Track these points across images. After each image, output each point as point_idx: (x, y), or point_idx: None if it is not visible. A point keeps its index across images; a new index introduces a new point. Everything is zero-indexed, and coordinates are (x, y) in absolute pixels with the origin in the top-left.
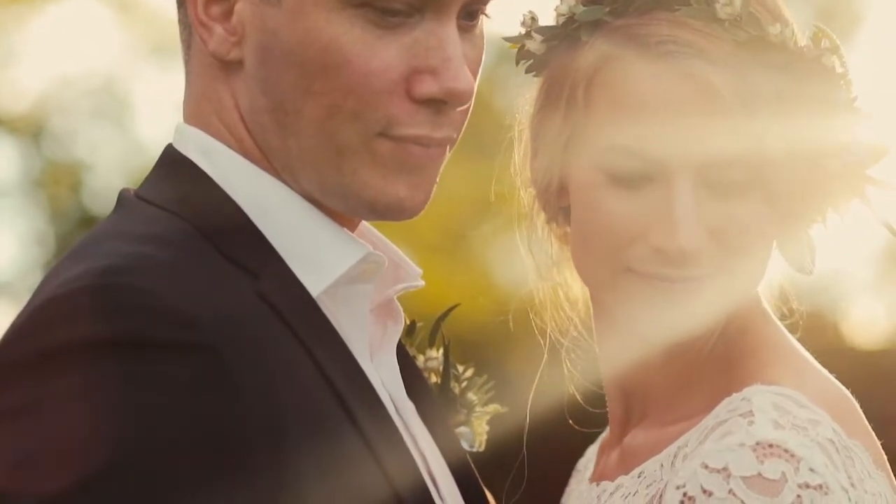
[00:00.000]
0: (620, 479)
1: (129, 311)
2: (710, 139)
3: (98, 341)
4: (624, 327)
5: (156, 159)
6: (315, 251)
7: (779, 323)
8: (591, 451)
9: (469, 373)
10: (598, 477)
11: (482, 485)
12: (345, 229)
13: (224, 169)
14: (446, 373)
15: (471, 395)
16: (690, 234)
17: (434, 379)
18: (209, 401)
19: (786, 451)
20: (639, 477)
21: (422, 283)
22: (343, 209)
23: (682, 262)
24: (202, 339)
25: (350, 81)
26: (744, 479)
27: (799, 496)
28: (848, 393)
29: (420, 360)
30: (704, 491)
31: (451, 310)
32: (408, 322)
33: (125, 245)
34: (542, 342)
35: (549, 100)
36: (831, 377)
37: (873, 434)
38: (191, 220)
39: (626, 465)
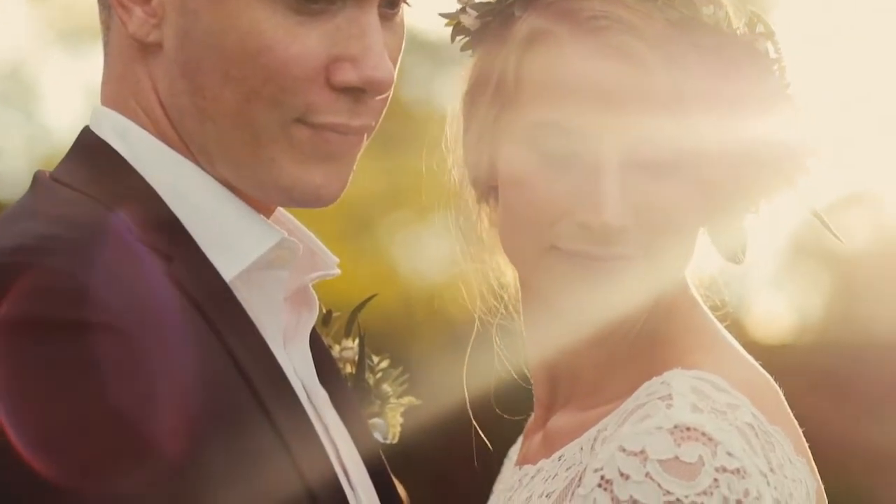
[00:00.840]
0: (542, 463)
1: (36, 290)
2: (639, 117)
3: (3, 321)
4: (551, 309)
5: (62, 145)
6: (229, 236)
7: (706, 309)
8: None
9: (384, 364)
10: (521, 460)
11: (392, 476)
12: (260, 215)
13: (140, 152)
14: (361, 363)
15: (385, 387)
16: (615, 210)
17: (349, 369)
18: (114, 382)
19: (703, 434)
20: (559, 460)
21: (338, 271)
22: (259, 195)
23: (607, 239)
24: (109, 319)
25: (269, 67)
26: (660, 462)
27: (716, 480)
28: (771, 380)
29: (335, 349)
30: (622, 474)
31: (368, 300)
32: (324, 311)
33: (36, 226)
34: (475, 325)
35: (482, 75)
36: (756, 364)
37: (795, 422)
38: (104, 202)
39: (548, 448)
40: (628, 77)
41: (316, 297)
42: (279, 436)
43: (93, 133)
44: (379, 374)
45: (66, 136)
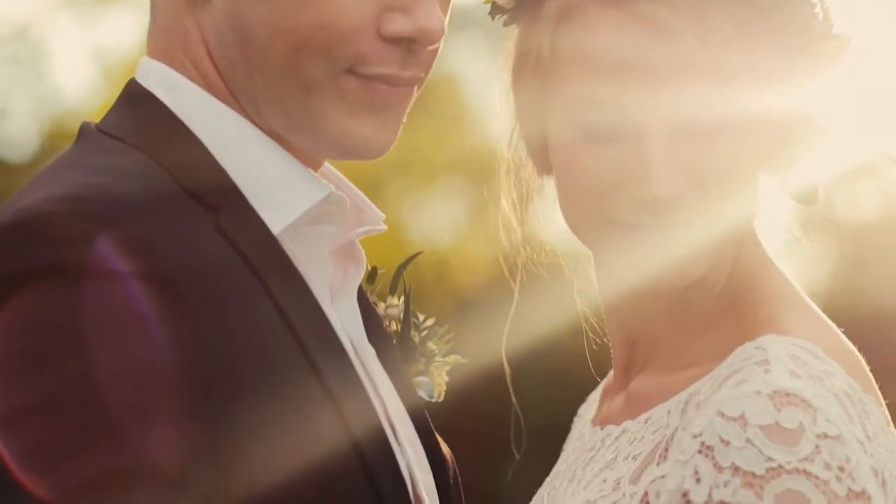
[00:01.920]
0: (626, 424)
1: (83, 238)
2: (676, 86)
3: (50, 269)
4: (620, 278)
5: (70, 106)
6: (277, 189)
7: (782, 270)
8: (593, 396)
9: (430, 322)
10: (601, 421)
11: (437, 433)
12: (308, 168)
13: (187, 104)
14: (406, 321)
15: (430, 345)
16: (665, 181)
17: (394, 327)
18: (162, 331)
19: (803, 400)
20: (646, 423)
21: (384, 227)
22: (308, 147)
23: (661, 209)
24: (157, 268)
25: (320, 17)
26: (761, 427)
27: (817, 447)
28: (855, 349)
29: (380, 307)
30: (722, 440)
31: (413, 257)
32: (369, 268)
33: (83, 175)
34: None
35: (522, 51)
36: (839, 331)
37: (879, 392)
38: (151, 153)
39: (633, 410)
40: (658, 46)
41: (363, 253)
42: (327, 391)
43: (139, 85)
44: (424, 332)
45: (74, 98)
